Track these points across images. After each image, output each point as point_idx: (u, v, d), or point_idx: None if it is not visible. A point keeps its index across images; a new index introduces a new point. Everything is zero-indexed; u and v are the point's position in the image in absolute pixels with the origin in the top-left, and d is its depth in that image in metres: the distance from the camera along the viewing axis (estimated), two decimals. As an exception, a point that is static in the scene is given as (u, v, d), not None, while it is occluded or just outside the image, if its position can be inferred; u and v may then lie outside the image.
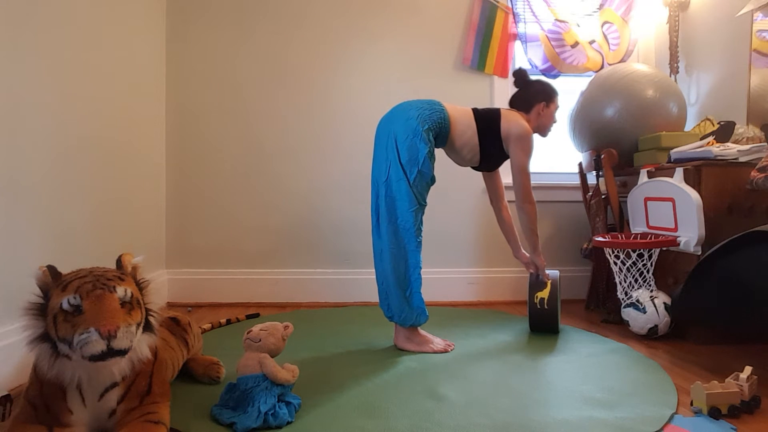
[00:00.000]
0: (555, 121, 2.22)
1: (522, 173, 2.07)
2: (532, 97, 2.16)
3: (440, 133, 2.00)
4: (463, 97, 3.00)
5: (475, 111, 2.09)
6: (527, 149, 2.06)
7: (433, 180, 1.97)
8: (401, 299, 1.94)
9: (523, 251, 2.31)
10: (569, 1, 3.02)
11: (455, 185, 2.98)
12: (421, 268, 1.96)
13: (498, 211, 2.35)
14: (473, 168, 2.23)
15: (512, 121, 2.06)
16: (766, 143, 2.06)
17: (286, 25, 2.94)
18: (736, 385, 1.42)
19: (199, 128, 2.93)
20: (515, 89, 2.24)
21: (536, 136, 2.18)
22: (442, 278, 2.98)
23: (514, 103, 2.20)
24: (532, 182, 2.10)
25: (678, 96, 2.53)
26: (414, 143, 1.90)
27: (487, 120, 2.06)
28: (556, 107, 2.20)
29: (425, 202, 1.97)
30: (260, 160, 2.94)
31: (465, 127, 2.04)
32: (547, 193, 3.04)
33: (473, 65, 2.98)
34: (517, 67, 2.28)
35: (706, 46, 2.69)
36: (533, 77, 2.22)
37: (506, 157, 2.13)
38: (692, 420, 1.36)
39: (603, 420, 1.35)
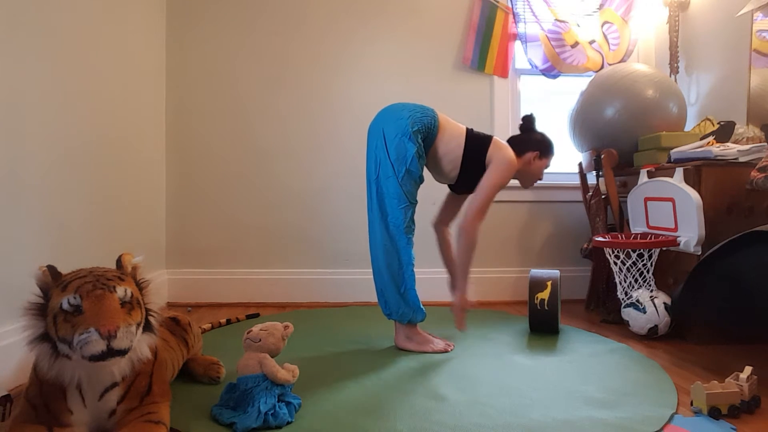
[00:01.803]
0: (540, 178, 2.19)
1: (487, 191, 1.98)
2: (530, 143, 2.12)
3: (428, 137, 1.98)
4: (463, 97, 3.00)
5: (469, 130, 2.06)
6: (505, 175, 2.01)
7: (421, 179, 1.97)
8: (397, 296, 1.95)
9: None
10: (569, 1, 3.02)
11: (455, 185, 2.99)
12: (413, 265, 1.96)
13: (442, 234, 2.29)
14: (450, 186, 2.19)
15: (501, 149, 2.03)
16: (766, 143, 2.06)
17: (286, 25, 2.94)
18: (736, 385, 1.42)
19: (199, 128, 2.93)
20: (518, 132, 2.21)
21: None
22: (441, 278, 2.98)
23: (511, 142, 2.14)
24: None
25: (678, 96, 2.53)
26: (402, 142, 1.91)
27: (477, 141, 2.03)
28: (547, 165, 2.17)
29: (415, 201, 1.97)
30: (260, 160, 2.94)
31: (451, 138, 2.02)
32: (547, 193, 3.04)
33: (473, 65, 2.98)
34: (528, 113, 2.22)
35: (706, 46, 2.69)
36: (539, 129, 2.18)
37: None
38: (692, 420, 1.36)
39: (603, 420, 1.35)
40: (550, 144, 2.17)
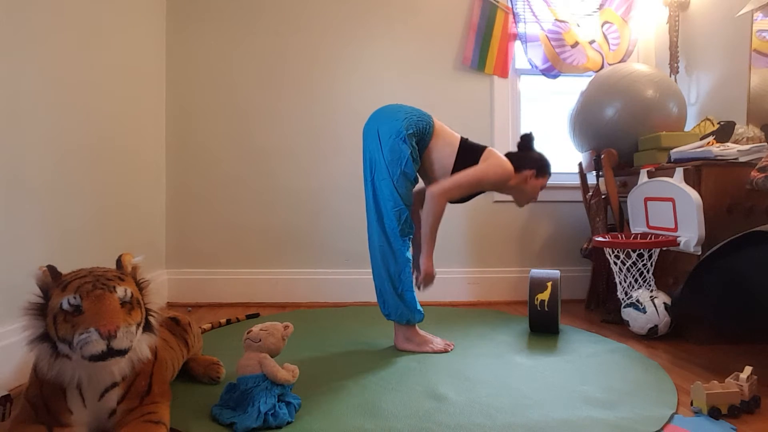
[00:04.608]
0: (535, 199, 2.14)
1: (469, 175, 1.93)
2: (528, 161, 2.07)
3: (421, 141, 1.95)
4: (463, 97, 3.00)
5: (464, 139, 2.02)
6: (495, 171, 1.95)
7: (416, 180, 1.96)
8: (394, 297, 1.95)
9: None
10: (569, 1, 3.02)
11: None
12: (411, 266, 1.96)
13: (415, 215, 2.12)
14: None
15: (497, 155, 1.99)
16: (766, 143, 2.06)
17: (286, 25, 2.94)
18: (736, 385, 1.42)
19: (198, 129, 2.93)
20: (516, 149, 2.15)
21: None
22: (441, 278, 2.96)
23: (508, 158, 2.06)
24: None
25: (678, 96, 2.53)
26: (396, 144, 1.89)
27: (471, 149, 2.00)
28: (543, 186, 2.11)
29: (410, 202, 1.96)
30: (260, 161, 2.94)
31: (445, 144, 1.99)
32: (547, 193, 3.03)
33: (473, 65, 2.98)
34: (527, 132, 2.15)
35: (706, 46, 2.69)
36: (537, 148, 2.13)
37: (475, 193, 2.05)
38: (692, 420, 1.36)
39: (603, 420, 1.35)
40: (548, 164, 2.11)
